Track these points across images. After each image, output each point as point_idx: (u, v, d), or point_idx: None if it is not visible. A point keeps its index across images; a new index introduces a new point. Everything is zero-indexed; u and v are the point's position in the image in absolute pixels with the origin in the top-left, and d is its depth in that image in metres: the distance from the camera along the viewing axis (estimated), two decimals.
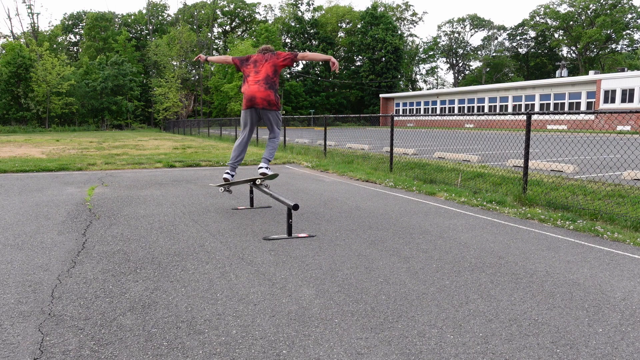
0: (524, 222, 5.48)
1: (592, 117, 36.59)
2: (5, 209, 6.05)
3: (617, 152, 11.00)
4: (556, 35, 76.06)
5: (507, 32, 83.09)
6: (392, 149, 10.14)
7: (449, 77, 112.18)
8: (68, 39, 74.69)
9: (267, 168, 5.77)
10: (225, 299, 3.10)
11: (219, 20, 78.42)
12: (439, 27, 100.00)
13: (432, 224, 5.31)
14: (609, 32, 68.04)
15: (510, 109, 48.03)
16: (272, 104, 5.59)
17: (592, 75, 42.64)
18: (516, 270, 3.73)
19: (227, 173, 5.98)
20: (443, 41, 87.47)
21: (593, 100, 40.96)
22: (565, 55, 77.64)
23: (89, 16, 66.45)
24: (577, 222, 5.28)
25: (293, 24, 78.50)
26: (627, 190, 6.69)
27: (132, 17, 74.01)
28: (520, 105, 47.51)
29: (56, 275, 3.53)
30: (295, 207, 4.55)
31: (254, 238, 4.66)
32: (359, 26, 77.23)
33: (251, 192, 6.32)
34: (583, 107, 41.47)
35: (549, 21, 74.88)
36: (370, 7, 75.46)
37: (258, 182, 5.76)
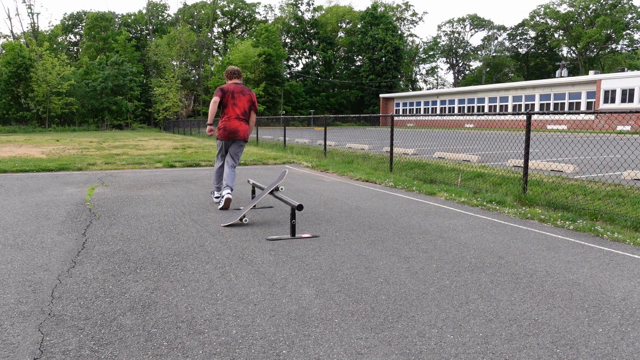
0: (524, 222, 5.48)
1: (592, 117, 36.59)
2: (5, 209, 6.05)
3: (617, 152, 11.00)
4: (556, 35, 76.06)
5: (507, 32, 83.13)
6: (392, 149, 10.14)
7: (449, 77, 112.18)
8: (68, 39, 74.69)
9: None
10: (225, 299, 3.10)
11: (219, 20, 78.43)
12: (439, 27, 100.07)
13: (432, 224, 5.31)
14: (609, 32, 68.04)
15: (510, 109, 48.02)
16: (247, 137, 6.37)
17: (592, 75, 42.64)
18: (516, 270, 3.73)
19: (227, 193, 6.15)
20: (443, 41, 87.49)
21: (593, 100, 40.96)
22: (565, 55, 77.66)
23: (89, 16, 66.44)
24: (577, 222, 5.27)
25: (293, 24, 78.52)
26: (627, 190, 6.69)
27: (132, 17, 74.00)
28: (520, 105, 47.51)
29: (56, 275, 3.53)
30: (300, 207, 4.53)
31: (254, 238, 4.66)
32: (359, 26, 77.23)
33: (253, 192, 6.32)
34: (583, 107, 41.47)
35: (549, 21, 74.90)
36: (370, 7, 75.48)
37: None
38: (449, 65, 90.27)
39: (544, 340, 2.55)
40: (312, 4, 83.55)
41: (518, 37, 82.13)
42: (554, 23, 74.16)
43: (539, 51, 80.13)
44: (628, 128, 33.76)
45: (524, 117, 6.68)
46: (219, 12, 77.20)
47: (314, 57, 78.13)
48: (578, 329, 2.69)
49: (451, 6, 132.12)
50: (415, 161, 11.08)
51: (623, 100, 38.16)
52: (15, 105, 47.80)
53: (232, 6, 77.82)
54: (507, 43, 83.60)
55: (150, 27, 72.70)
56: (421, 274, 3.60)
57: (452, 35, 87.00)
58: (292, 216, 4.66)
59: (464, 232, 4.96)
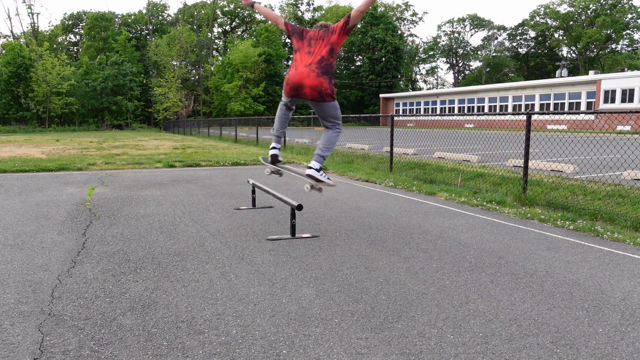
0: (524, 222, 5.48)
1: (592, 117, 36.59)
2: (5, 209, 6.05)
3: (617, 152, 10.99)
4: (556, 35, 76.04)
5: (507, 32, 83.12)
6: (392, 149, 10.14)
7: (449, 77, 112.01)
8: (68, 39, 74.66)
9: (318, 171, 4.50)
10: (225, 299, 3.10)
11: (219, 20, 78.38)
12: (439, 27, 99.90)
13: (432, 224, 5.31)
14: (609, 32, 68.03)
15: (510, 109, 48.01)
16: (325, 95, 4.30)
17: (592, 75, 42.64)
18: (516, 270, 3.73)
19: (273, 148, 4.88)
20: (443, 41, 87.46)
21: (593, 100, 40.95)
22: (565, 55, 77.63)
23: (89, 16, 66.43)
24: (577, 222, 5.27)
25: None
26: (627, 190, 6.69)
27: (132, 17, 73.97)
28: (520, 105, 47.50)
29: (56, 275, 3.53)
30: (299, 207, 4.53)
31: (254, 238, 4.65)
32: (358, 26, 77.17)
33: (253, 192, 6.32)
34: (583, 107, 41.46)
35: (549, 21, 74.87)
36: (370, 7, 75.47)
37: (307, 188, 4.57)
38: (449, 65, 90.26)
39: (544, 340, 2.55)
40: (312, 4, 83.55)
41: (518, 37, 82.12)
42: (554, 23, 74.14)
43: (539, 51, 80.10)
44: (628, 128, 33.76)
45: (524, 117, 6.68)
46: (219, 12, 77.14)
47: None
48: (578, 329, 2.69)
49: (451, 6, 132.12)
50: (415, 161, 11.08)
51: (623, 100, 38.15)
52: (15, 105, 47.79)
53: (232, 6, 77.75)
54: (507, 43, 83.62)
55: (150, 27, 72.67)
56: (421, 274, 3.60)
57: (452, 35, 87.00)
58: (292, 216, 4.66)
59: (464, 232, 4.96)
